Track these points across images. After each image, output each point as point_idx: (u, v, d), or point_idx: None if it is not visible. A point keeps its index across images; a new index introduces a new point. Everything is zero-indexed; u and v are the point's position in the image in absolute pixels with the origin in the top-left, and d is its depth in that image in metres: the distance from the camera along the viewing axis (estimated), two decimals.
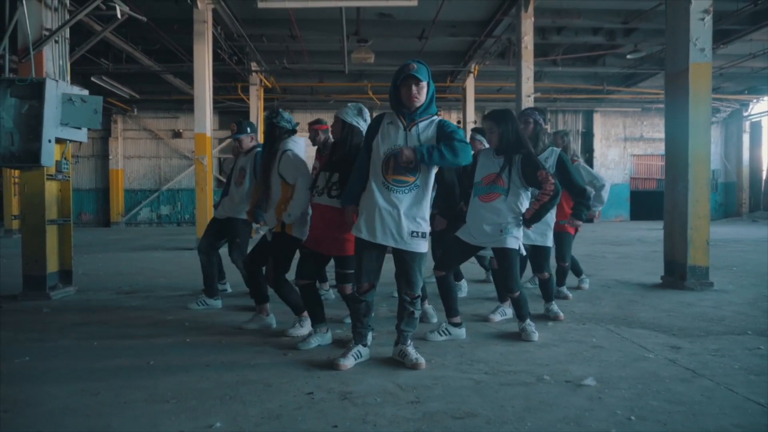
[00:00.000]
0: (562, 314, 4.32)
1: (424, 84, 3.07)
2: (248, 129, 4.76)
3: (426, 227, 3.11)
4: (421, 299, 3.46)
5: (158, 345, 3.63)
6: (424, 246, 3.11)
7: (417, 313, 3.21)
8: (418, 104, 3.07)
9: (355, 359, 3.15)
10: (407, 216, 3.04)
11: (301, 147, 3.93)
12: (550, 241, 4.31)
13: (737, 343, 3.56)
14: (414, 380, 2.89)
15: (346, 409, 2.51)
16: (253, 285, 4.15)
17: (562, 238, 4.92)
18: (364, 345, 3.23)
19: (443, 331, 3.73)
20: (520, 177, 3.59)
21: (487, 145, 4.19)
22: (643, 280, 6.25)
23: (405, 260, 3.11)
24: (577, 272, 5.75)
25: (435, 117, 3.18)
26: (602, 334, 3.86)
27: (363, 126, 3.48)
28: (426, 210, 3.12)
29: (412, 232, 3.05)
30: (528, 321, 3.77)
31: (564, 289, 5.17)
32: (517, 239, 3.61)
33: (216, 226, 4.88)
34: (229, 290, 5.47)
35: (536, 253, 4.31)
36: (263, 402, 2.60)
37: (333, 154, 3.57)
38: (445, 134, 3.06)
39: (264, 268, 4.09)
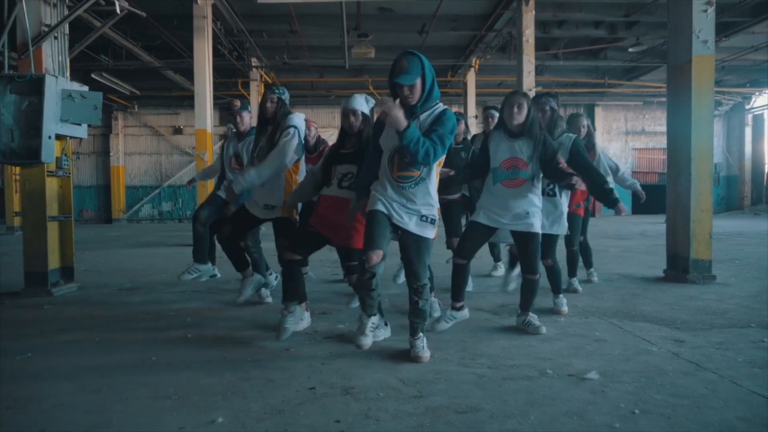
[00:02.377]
0: (566, 308, 4.31)
1: (416, 84, 2.99)
2: (248, 107, 4.72)
3: (435, 213, 3.10)
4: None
5: (160, 341, 3.63)
6: (431, 232, 3.09)
7: (422, 304, 3.10)
8: (412, 102, 3.04)
9: (372, 332, 3.11)
10: (417, 208, 3.05)
11: (303, 124, 3.93)
12: (564, 229, 4.20)
13: (741, 336, 3.54)
14: (416, 375, 2.88)
15: (348, 404, 2.51)
16: (236, 255, 4.20)
17: (572, 221, 4.73)
18: (375, 315, 3.12)
19: (448, 318, 3.74)
20: (539, 162, 3.56)
21: None
22: (646, 273, 6.24)
23: (411, 246, 3.06)
24: (588, 263, 5.68)
25: (439, 105, 3.12)
26: (605, 327, 3.85)
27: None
28: (434, 196, 3.11)
29: (422, 216, 3.05)
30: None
31: (575, 281, 5.10)
32: (540, 221, 3.61)
33: (220, 201, 4.78)
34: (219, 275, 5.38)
35: (545, 241, 4.16)
36: (265, 397, 2.59)
37: (343, 145, 3.51)
38: (433, 124, 3.01)
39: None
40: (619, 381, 2.75)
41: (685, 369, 2.92)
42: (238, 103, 4.68)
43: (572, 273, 5.10)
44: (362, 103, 3.46)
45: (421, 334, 3.16)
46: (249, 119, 4.70)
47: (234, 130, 4.73)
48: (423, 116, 3.06)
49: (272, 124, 3.87)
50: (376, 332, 3.41)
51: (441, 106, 3.12)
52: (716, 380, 2.75)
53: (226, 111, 18.21)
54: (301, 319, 3.76)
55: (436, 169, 3.12)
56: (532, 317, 3.74)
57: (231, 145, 4.72)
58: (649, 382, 2.72)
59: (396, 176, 3.05)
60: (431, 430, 2.23)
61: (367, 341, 3.04)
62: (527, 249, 3.62)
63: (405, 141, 2.87)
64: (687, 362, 3.04)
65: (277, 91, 3.94)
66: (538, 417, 2.34)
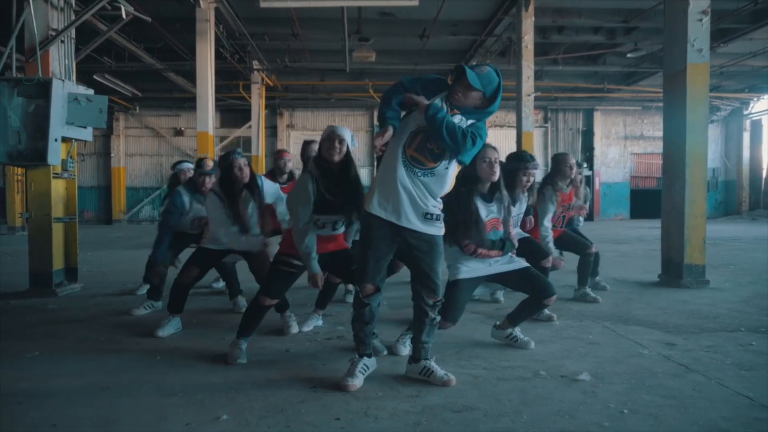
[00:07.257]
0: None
1: (473, 92, 2.69)
2: (216, 171, 4.32)
3: (438, 212, 2.79)
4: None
5: (164, 341, 3.72)
6: (440, 229, 2.81)
7: (437, 321, 2.89)
8: (459, 105, 2.74)
9: (363, 374, 2.85)
10: (420, 198, 2.72)
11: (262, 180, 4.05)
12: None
13: (730, 340, 3.64)
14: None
15: (347, 402, 2.60)
16: (183, 298, 4.01)
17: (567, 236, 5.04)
18: (369, 356, 2.93)
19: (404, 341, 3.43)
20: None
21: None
22: (641, 278, 6.33)
23: (425, 253, 2.77)
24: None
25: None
26: (598, 331, 3.94)
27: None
28: (438, 199, 2.80)
29: (425, 213, 2.74)
30: None
31: (588, 290, 5.01)
32: None
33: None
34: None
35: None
36: (267, 396, 2.68)
37: (330, 189, 3.10)
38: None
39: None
40: (609, 382, 2.84)
41: (674, 371, 3.02)
42: (210, 163, 4.48)
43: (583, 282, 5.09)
44: (348, 135, 3.15)
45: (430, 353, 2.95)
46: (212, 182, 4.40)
47: (186, 186, 4.55)
48: (458, 117, 2.76)
49: (246, 188, 3.86)
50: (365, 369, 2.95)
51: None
52: (704, 382, 2.84)
53: (227, 113, 18.44)
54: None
55: (453, 175, 2.80)
56: (518, 332, 3.57)
57: (193, 204, 4.49)
58: (639, 384, 2.81)
59: (410, 155, 2.72)
60: (428, 428, 2.32)
61: (355, 382, 2.77)
62: (535, 277, 3.40)
63: (430, 111, 2.64)
64: (676, 364, 3.13)
65: (240, 154, 3.84)
66: (531, 416, 2.43)
